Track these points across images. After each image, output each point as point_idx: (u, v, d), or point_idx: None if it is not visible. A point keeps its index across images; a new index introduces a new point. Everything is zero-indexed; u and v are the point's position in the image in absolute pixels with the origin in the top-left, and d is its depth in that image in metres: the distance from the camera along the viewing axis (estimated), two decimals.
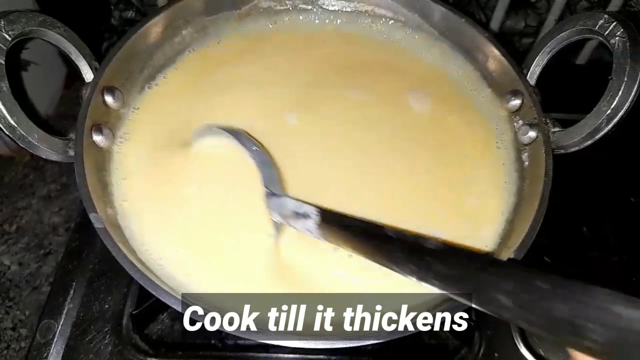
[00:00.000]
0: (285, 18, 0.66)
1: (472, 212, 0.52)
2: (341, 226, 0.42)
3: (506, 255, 0.45)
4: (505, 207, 0.52)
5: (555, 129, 0.52)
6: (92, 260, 0.59)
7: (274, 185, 0.49)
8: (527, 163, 0.53)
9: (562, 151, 0.51)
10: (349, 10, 0.66)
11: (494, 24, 0.99)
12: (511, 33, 1.06)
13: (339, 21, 0.67)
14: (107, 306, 0.56)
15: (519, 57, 1.05)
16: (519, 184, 0.53)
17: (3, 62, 0.43)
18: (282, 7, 0.65)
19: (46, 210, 0.89)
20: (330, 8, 0.67)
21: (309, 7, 0.66)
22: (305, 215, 0.44)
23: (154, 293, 0.40)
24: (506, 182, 0.53)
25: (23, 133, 0.44)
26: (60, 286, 0.57)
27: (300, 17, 0.66)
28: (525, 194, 0.51)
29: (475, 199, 0.53)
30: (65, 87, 1.01)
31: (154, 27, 0.57)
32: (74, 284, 0.57)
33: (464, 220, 0.52)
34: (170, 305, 0.40)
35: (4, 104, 0.42)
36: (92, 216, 0.44)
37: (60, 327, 0.55)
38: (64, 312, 0.55)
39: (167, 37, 0.59)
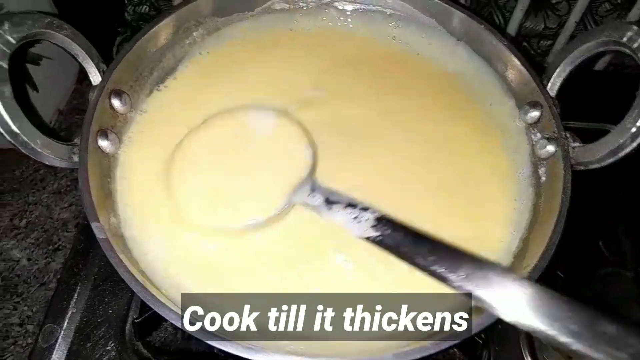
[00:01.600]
0: (299, 19, 0.64)
1: (483, 227, 0.50)
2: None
3: (522, 274, 0.43)
4: (517, 224, 0.50)
5: (575, 144, 0.50)
6: (97, 263, 0.59)
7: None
8: (544, 178, 0.51)
9: (582, 167, 0.49)
10: (364, 11, 0.65)
11: (512, 25, 0.96)
12: (530, 35, 1.03)
13: (352, 23, 0.65)
14: (110, 311, 0.56)
15: (538, 60, 1.03)
16: (534, 200, 0.51)
17: (6, 67, 0.42)
18: (295, 8, 0.64)
19: (56, 206, 0.90)
20: (345, 8, 0.65)
21: (323, 8, 0.64)
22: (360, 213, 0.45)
23: (153, 307, 0.40)
24: (519, 198, 0.51)
25: (26, 139, 0.43)
26: (64, 289, 0.57)
27: (315, 18, 0.65)
28: (541, 211, 0.49)
29: (485, 214, 0.51)
30: (78, 81, 1.01)
31: (164, 29, 0.56)
32: (78, 287, 0.57)
33: (474, 235, 0.50)
34: (169, 320, 0.39)
35: (6, 110, 0.42)
36: (94, 226, 0.43)
37: (63, 331, 0.54)
38: (67, 316, 0.55)
39: (178, 38, 0.58)
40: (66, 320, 0.55)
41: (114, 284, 0.58)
